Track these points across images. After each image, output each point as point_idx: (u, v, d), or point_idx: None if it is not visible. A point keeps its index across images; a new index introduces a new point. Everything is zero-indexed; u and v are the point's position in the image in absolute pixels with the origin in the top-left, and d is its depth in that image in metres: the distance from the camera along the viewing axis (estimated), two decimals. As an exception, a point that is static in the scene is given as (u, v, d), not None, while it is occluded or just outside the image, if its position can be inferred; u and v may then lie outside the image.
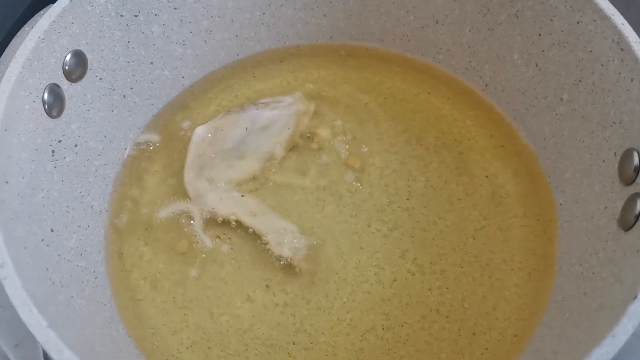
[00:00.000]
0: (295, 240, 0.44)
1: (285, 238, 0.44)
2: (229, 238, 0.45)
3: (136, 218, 0.46)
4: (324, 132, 0.50)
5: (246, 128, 0.47)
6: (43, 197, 0.38)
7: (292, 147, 0.49)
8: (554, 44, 0.44)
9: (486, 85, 0.51)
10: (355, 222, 0.46)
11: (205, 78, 0.53)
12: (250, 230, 0.45)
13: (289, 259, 0.43)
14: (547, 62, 0.45)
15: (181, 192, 0.47)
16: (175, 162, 0.49)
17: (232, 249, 0.45)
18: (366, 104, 0.52)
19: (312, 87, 0.53)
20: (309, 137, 0.50)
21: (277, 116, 0.48)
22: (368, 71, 0.53)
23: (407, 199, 0.47)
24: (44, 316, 0.29)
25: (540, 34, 0.44)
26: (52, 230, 0.39)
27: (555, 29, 0.43)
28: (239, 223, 0.45)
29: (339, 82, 0.53)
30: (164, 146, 0.50)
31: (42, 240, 0.37)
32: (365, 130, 0.50)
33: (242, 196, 0.46)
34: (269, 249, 0.44)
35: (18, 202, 0.35)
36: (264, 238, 0.44)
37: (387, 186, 0.47)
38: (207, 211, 0.46)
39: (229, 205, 0.46)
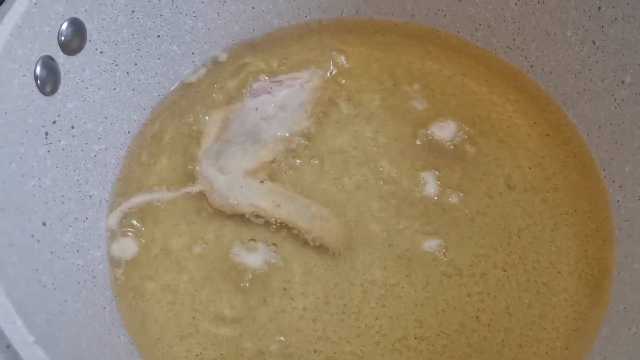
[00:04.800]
0: (330, 227, 0.42)
1: (320, 225, 0.42)
2: (243, 232, 0.43)
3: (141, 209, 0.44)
4: (346, 115, 0.48)
5: (256, 108, 0.46)
6: (34, 185, 0.37)
7: (312, 129, 0.47)
8: (616, 18, 0.41)
9: (531, 66, 0.48)
10: (384, 216, 0.43)
11: (217, 55, 0.50)
12: (272, 220, 0.43)
13: (329, 249, 0.42)
14: (607, 40, 0.42)
15: (191, 181, 0.45)
16: (184, 149, 0.47)
17: (247, 244, 0.43)
18: (394, 85, 0.49)
19: (334, 66, 0.50)
20: (329, 118, 0.47)
21: (292, 95, 0.47)
22: (396, 50, 0.51)
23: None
24: (31, 329, 0.26)
25: (600, 7, 0.41)
26: (44, 224, 0.37)
27: (620, 1, 0.40)
28: (257, 215, 0.43)
29: (364, 61, 0.50)
30: (172, 130, 0.48)
31: (32, 235, 0.35)
32: (393, 116, 0.48)
33: (261, 182, 0.44)
34: (303, 240, 0.42)
35: (4, 191, 0.34)
36: (293, 227, 0.42)
37: (417, 177, 0.45)
38: (221, 204, 0.43)
39: (247, 196, 0.43)
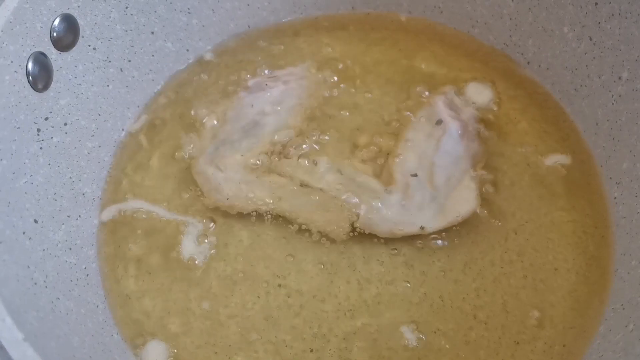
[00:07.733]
0: (332, 217, 0.42)
1: (322, 215, 0.42)
2: (241, 228, 0.43)
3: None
4: (341, 111, 0.47)
5: (252, 105, 0.45)
6: (26, 182, 0.37)
7: (307, 124, 0.46)
8: (613, 14, 0.40)
9: (528, 62, 0.48)
10: (379, 214, 0.43)
11: (212, 51, 0.50)
12: (268, 215, 0.43)
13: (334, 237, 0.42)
14: (604, 36, 0.42)
15: (187, 179, 0.45)
16: (179, 146, 0.46)
17: (242, 241, 0.42)
18: (390, 82, 0.49)
19: (330, 62, 0.50)
20: (325, 114, 0.47)
21: (288, 91, 0.47)
22: (393, 46, 0.51)
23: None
24: (21, 327, 0.26)
25: (597, 3, 0.41)
26: (35, 221, 0.37)
27: (617, -3, 0.40)
28: (256, 210, 0.43)
29: (361, 58, 0.50)
30: (166, 127, 0.47)
31: (24, 233, 0.35)
32: (391, 111, 0.47)
33: (259, 177, 0.43)
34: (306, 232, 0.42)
35: (-5, 188, 0.33)
36: (295, 219, 0.42)
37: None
38: (219, 202, 0.43)
39: (246, 191, 0.43)
